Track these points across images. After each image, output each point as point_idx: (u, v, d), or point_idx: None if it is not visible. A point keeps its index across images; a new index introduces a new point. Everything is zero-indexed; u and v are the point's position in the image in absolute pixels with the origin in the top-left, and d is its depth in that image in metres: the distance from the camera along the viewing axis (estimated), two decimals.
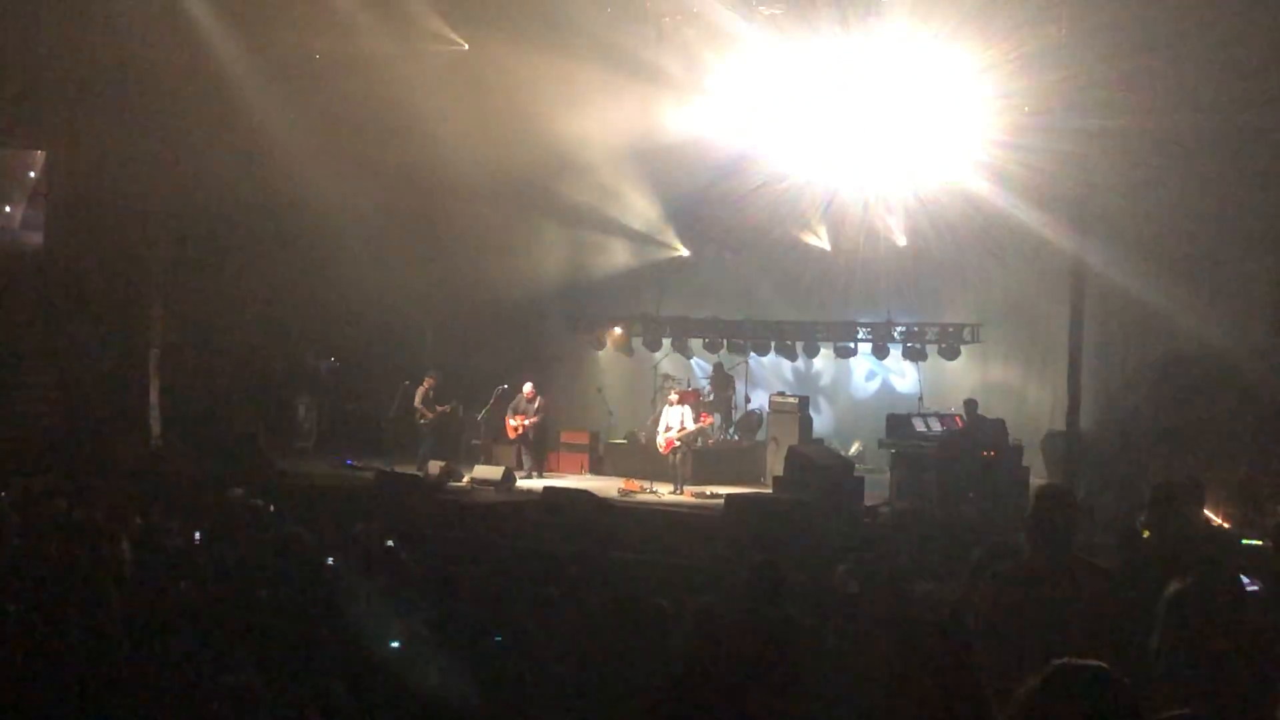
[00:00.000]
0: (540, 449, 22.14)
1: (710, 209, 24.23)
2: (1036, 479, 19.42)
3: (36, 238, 24.70)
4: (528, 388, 22.01)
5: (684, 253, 25.52)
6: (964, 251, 22.58)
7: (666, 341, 24.77)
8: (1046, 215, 20.79)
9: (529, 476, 21.49)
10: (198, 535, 12.61)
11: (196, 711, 6.76)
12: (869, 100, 21.32)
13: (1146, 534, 8.02)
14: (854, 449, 23.18)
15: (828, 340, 23.49)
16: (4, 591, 9.90)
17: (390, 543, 14.08)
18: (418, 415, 22.22)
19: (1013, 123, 19.99)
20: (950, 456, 18.72)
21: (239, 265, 23.66)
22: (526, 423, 21.73)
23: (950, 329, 22.37)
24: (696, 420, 21.25)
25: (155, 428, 23.42)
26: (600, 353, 25.85)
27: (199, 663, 7.75)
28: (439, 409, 22.16)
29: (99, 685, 7.40)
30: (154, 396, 23.51)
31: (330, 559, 11.96)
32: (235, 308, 24.21)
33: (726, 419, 23.72)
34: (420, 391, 22.23)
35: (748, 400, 24.39)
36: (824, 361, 24.21)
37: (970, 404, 19.48)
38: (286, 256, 24.08)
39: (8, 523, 13.42)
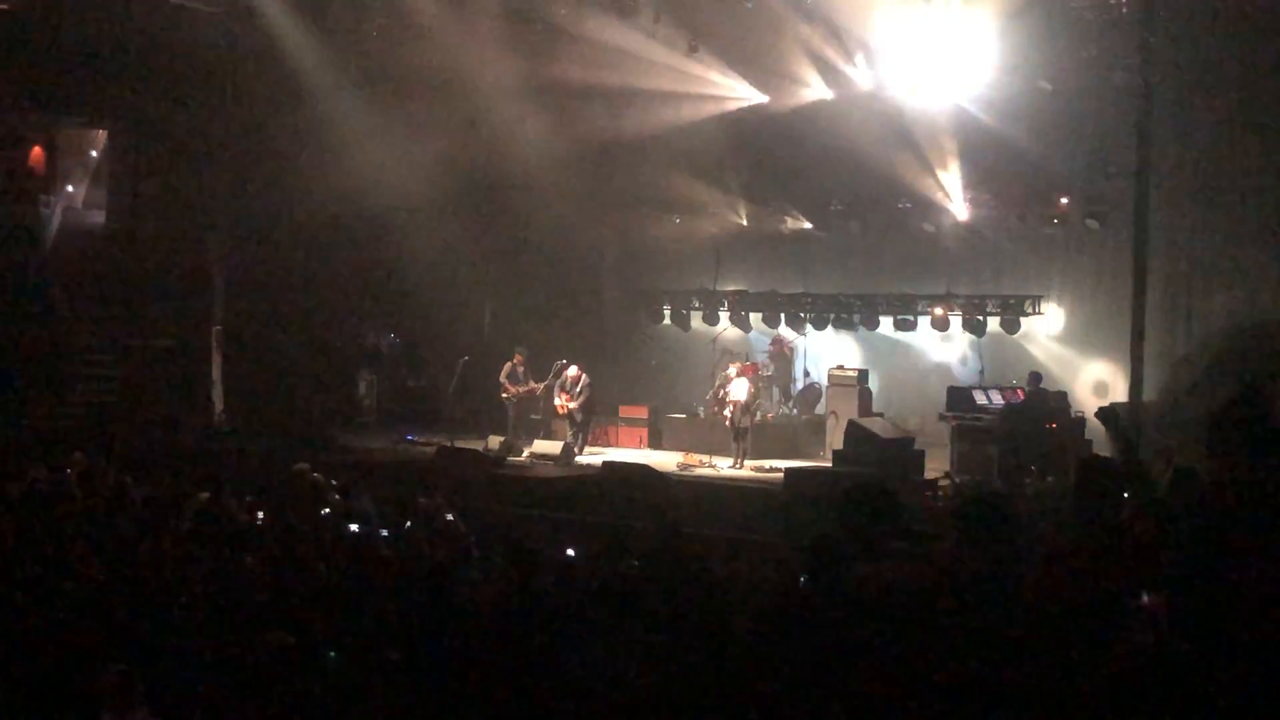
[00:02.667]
0: (586, 428, 21.99)
1: (769, 179, 24.08)
2: (1100, 452, 19.25)
3: (99, 217, 24.93)
4: (573, 370, 21.82)
5: (742, 222, 25.31)
6: (1025, 222, 22.35)
7: (724, 315, 24.67)
8: (1106, 181, 20.66)
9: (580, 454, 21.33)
10: (260, 514, 12.66)
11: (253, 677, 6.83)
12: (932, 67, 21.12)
13: None
14: (914, 422, 23.03)
15: (887, 313, 23.29)
16: (68, 567, 10.04)
17: (450, 516, 14.17)
18: (501, 391, 22.14)
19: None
20: (1012, 430, 18.55)
21: (300, 243, 23.77)
22: (572, 405, 21.54)
23: (1011, 301, 22.15)
24: (759, 393, 21.17)
25: (217, 404, 23.61)
26: (658, 326, 25.79)
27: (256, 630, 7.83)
28: (533, 385, 22.05)
29: (163, 655, 7.48)
30: (216, 373, 23.71)
31: (387, 532, 12.04)
32: (296, 285, 24.36)
33: (785, 393, 23.59)
34: (506, 368, 22.13)
35: (807, 374, 24.26)
36: (884, 334, 24.00)
37: (1034, 377, 19.26)
38: (347, 234, 24.19)
39: (71, 499, 13.59)
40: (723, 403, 21.02)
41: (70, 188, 25.46)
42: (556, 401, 21.74)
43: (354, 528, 12.24)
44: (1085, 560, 5.56)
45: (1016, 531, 5.99)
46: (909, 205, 23.25)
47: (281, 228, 23.59)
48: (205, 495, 13.59)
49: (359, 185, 23.23)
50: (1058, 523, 8.93)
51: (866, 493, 6.25)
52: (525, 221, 24.27)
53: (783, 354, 23.82)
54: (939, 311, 22.48)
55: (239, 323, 24.16)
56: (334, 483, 15.90)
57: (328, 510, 13.35)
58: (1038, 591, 5.54)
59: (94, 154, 25.56)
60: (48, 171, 25.46)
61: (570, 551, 12.23)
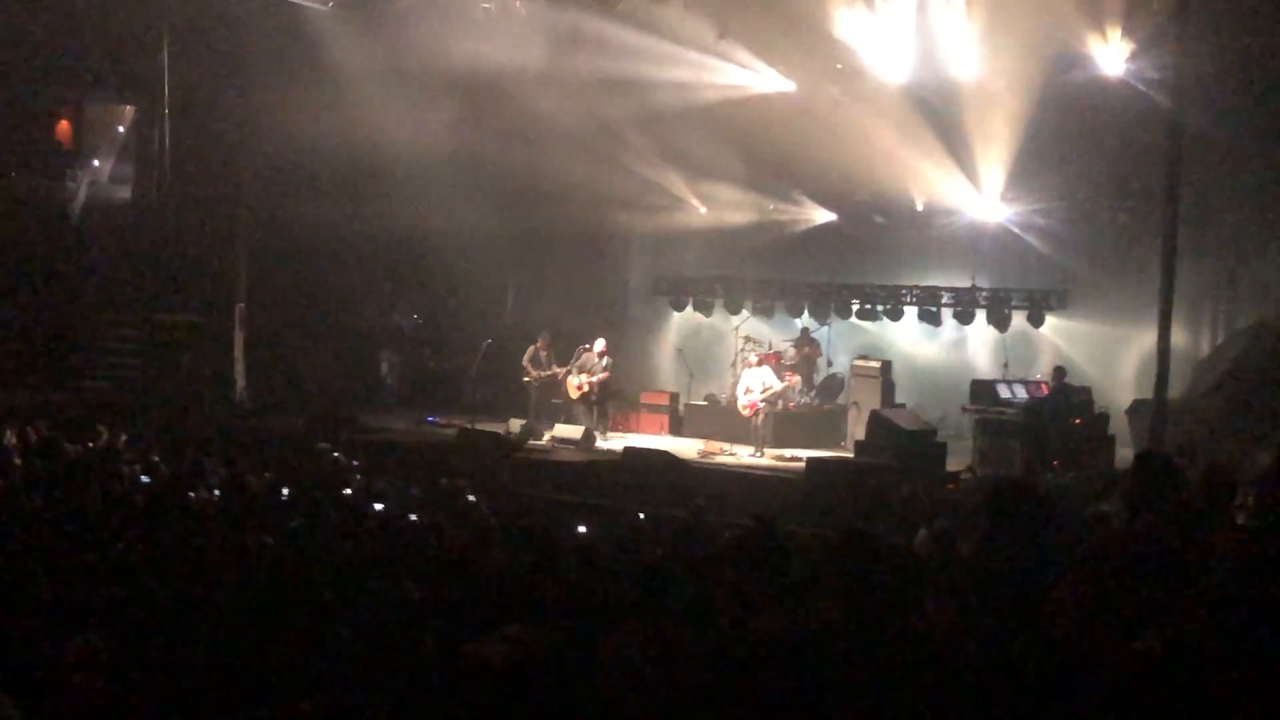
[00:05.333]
0: (604, 408, 21.95)
1: (794, 169, 23.98)
2: (1123, 448, 19.20)
3: (125, 191, 25.00)
4: (599, 344, 21.68)
5: (771, 208, 25.18)
6: (1051, 215, 22.25)
7: (747, 303, 24.64)
8: (1137, 173, 20.58)
9: (603, 438, 21.29)
10: (285, 491, 12.69)
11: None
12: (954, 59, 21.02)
13: None
14: (936, 415, 22.99)
15: (912, 305, 23.23)
16: (91, 538, 10.06)
17: (472, 498, 14.19)
18: (523, 374, 22.11)
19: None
20: (1035, 423, 18.50)
21: (325, 223, 23.77)
22: (594, 380, 21.43)
23: (1036, 294, 22.09)
24: (781, 379, 21.03)
25: (240, 381, 23.65)
26: (680, 314, 25.77)
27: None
28: (555, 370, 21.98)
29: (182, 629, 7.48)
30: (238, 351, 23.72)
31: (414, 515, 12.04)
32: (321, 265, 24.38)
33: (808, 382, 23.54)
34: (529, 351, 22.08)
35: (830, 364, 24.22)
36: (908, 326, 23.92)
37: (1059, 371, 19.20)
38: (372, 214, 24.20)
39: (93, 472, 13.64)
40: (740, 391, 20.98)
41: (97, 162, 25.54)
42: (574, 381, 21.56)
43: (379, 507, 12.25)
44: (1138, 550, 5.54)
45: (1049, 517, 5.97)
46: (932, 198, 23.14)
47: (306, 208, 23.56)
48: (227, 472, 13.65)
49: (385, 168, 23.27)
50: (1096, 514, 8.87)
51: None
52: (550, 206, 24.19)
53: (807, 348, 23.74)
54: (963, 303, 22.43)
55: (263, 301, 24.17)
56: (355, 463, 15.96)
57: (349, 491, 13.37)
58: (1081, 582, 5.51)
59: (121, 129, 25.63)
60: (75, 145, 25.55)
61: (582, 529, 12.27)
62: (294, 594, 8.12)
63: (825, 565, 6.37)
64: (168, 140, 23.43)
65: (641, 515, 13.93)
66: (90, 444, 16.17)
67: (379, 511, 12.08)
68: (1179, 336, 19.75)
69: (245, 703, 6.18)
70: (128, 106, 25.22)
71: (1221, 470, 6.88)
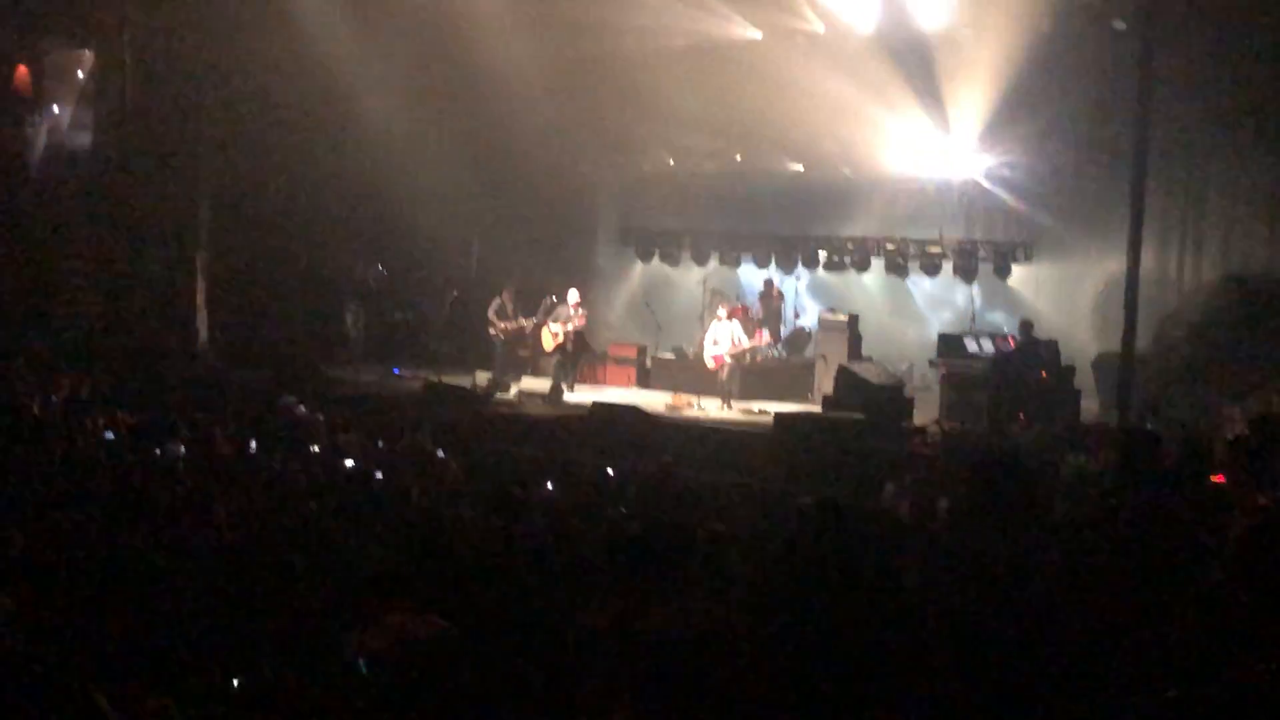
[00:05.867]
0: (576, 361, 21.78)
1: (764, 119, 23.83)
2: (1088, 401, 19.29)
3: (85, 139, 24.65)
4: (573, 296, 21.59)
5: (735, 161, 25.04)
6: (1016, 169, 22.22)
7: (714, 255, 24.55)
8: (1100, 127, 20.54)
9: (570, 390, 21.18)
10: (253, 444, 12.58)
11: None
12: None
13: None
14: (903, 367, 23.05)
15: (879, 257, 23.21)
16: (54, 495, 9.95)
17: (441, 453, 14.13)
18: (489, 327, 22.00)
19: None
20: (1002, 377, 18.53)
21: (288, 171, 23.53)
22: (569, 329, 21.32)
23: (1003, 246, 22.10)
24: (750, 337, 20.97)
25: (202, 331, 23.43)
26: (647, 265, 25.67)
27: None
28: (521, 322, 21.89)
29: (149, 586, 7.39)
30: (200, 299, 23.50)
31: (379, 472, 11.97)
32: (283, 214, 24.12)
33: (775, 335, 23.51)
34: (494, 303, 21.92)
35: (797, 316, 24.20)
36: (875, 278, 23.91)
37: (1026, 325, 19.23)
38: (336, 163, 23.96)
39: (54, 427, 13.50)
40: (708, 344, 20.91)
41: (56, 109, 25.14)
42: (551, 330, 21.45)
43: (349, 463, 12.17)
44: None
45: (1031, 490, 5.97)
46: (900, 150, 23.03)
47: (269, 157, 23.29)
48: (193, 428, 13.52)
49: (348, 116, 23.03)
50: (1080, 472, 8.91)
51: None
52: (516, 156, 24.00)
53: (772, 300, 23.70)
54: (930, 256, 22.43)
55: (225, 251, 23.92)
56: (321, 417, 15.85)
57: (317, 449, 13.28)
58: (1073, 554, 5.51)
59: (80, 75, 25.22)
60: (33, 92, 25.13)
61: (549, 485, 12.24)
62: (262, 559, 8.06)
63: (801, 535, 6.34)
64: (128, 87, 23.11)
65: (610, 471, 13.87)
66: (52, 397, 16.02)
67: (347, 469, 11.99)
68: (1147, 289, 19.80)
69: (211, 667, 6.11)
70: (87, 52, 24.81)
71: (1199, 439, 6.90)
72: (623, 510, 10.62)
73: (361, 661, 5.63)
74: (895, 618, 5.10)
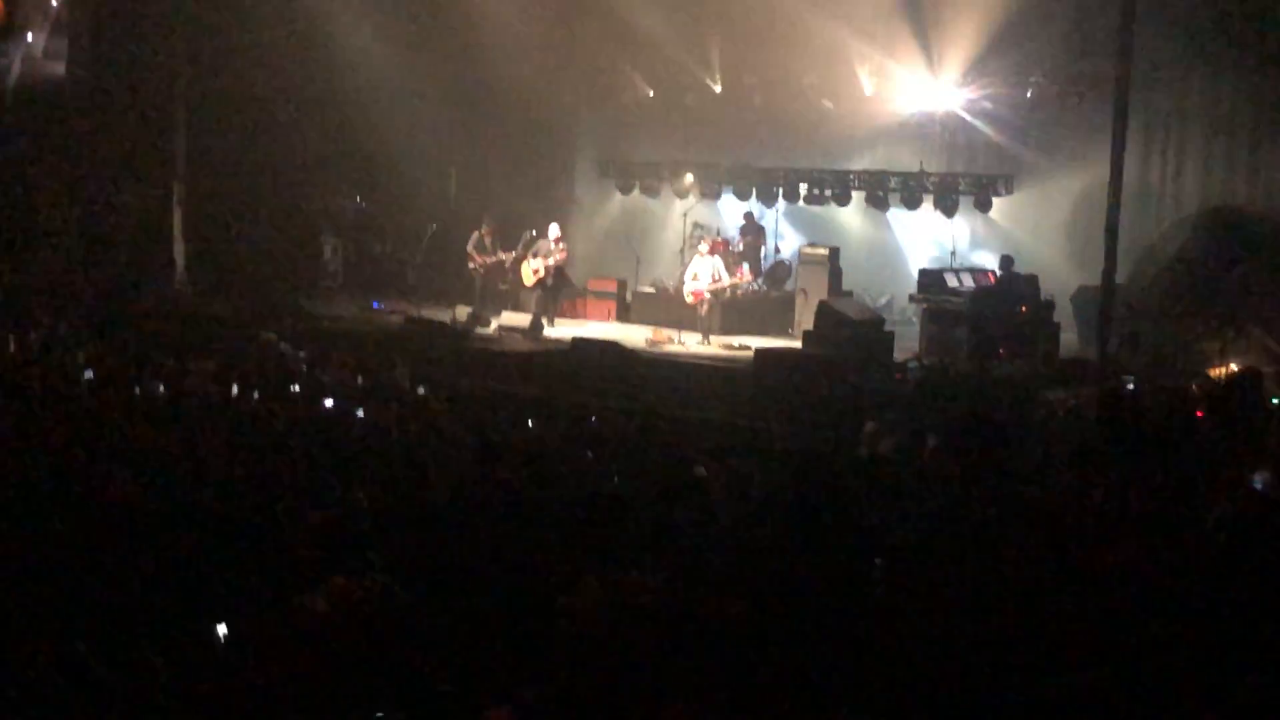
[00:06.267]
0: (557, 295, 21.77)
1: (742, 51, 23.64)
2: (1067, 334, 19.34)
3: (59, 68, 24.34)
4: (554, 230, 21.52)
5: (715, 89, 24.79)
6: (997, 102, 22.13)
7: (695, 188, 24.38)
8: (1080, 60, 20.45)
9: (550, 325, 21.13)
10: (235, 387, 12.51)
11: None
12: None
13: None
14: (883, 300, 23.05)
15: (859, 189, 23.10)
16: (33, 437, 9.91)
17: (422, 390, 14.10)
18: (468, 261, 21.89)
19: None
20: (982, 312, 18.54)
21: (264, 102, 23.30)
22: (550, 263, 21.25)
23: (984, 179, 22.02)
24: (731, 274, 20.92)
25: (180, 263, 23.29)
26: (626, 197, 25.51)
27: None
28: (500, 256, 21.79)
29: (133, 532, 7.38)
30: (177, 230, 23.34)
31: (360, 411, 11.95)
32: (261, 145, 23.89)
33: (755, 269, 23.43)
34: (473, 237, 21.80)
35: (777, 250, 24.14)
36: (855, 211, 23.83)
37: (1006, 260, 19.24)
38: (313, 94, 23.73)
39: (34, 364, 13.43)
40: (688, 279, 20.84)
41: (30, 37, 24.80)
42: (531, 265, 21.40)
43: (329, 404, 12.13)
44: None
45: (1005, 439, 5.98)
46: (882, 82, 22.88)
47: (246, 88, 23.06)
48: (174, 365, 13.47)
49: (326, 47, 22.79)
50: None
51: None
52: (494, 87, 23.79)
53: (750, 240, 23.63)
54: (910, 189, 22.33)
55: (202, 183, 23.71)
56: (302, 354, 15.79)
57: (297, 387, 13.22)
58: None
59: (54, 2, 24.87)
60: (7, 20, 24.78)
61: (529, 423, 12.23)
62: (246, 500, 8.04)
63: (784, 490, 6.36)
64: (101, 13, 22.84)
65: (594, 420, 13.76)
66: (29, 333, 15.93)
67: (328, 409, 11.96)
68: (1126, 222, 19.78)
69: (194, 614, 6.10)
70: None
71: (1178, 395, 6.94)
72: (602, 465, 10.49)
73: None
74: (882, 578, 5.14)
